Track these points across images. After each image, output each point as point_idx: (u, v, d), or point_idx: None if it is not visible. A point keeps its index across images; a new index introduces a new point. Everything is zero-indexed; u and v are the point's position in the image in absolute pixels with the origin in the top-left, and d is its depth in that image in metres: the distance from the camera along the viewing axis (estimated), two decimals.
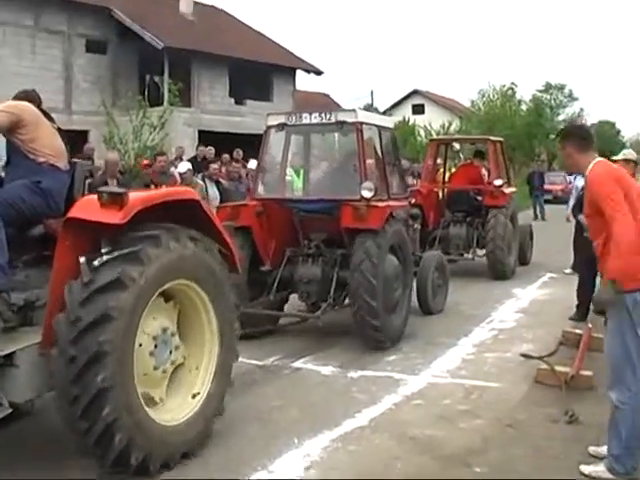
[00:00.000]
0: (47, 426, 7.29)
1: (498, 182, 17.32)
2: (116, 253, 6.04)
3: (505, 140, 21.80)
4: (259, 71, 40.24)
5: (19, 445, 6.95)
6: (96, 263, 5.99)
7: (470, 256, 17.74)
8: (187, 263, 6.60)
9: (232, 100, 39.64)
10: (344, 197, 10.84)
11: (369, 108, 58.16)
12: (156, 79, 39.03)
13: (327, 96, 58.01)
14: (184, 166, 15.62)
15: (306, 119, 11.22)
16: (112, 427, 5.84)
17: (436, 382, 9.17)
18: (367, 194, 10.53)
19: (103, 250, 6.10)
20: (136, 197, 6.29)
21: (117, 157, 15.93)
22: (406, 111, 67.96)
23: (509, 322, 12.84)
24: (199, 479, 6.35)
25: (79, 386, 5.78)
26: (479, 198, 17.86)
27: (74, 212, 6.17)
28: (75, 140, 28.66)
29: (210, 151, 20.71)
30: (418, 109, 72.20)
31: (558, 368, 8.98)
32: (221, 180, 16.63)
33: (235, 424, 7.56)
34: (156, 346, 6.47)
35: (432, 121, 55.73)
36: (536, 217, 33.64)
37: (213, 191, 15.65)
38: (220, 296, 7.08)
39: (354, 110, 11.30)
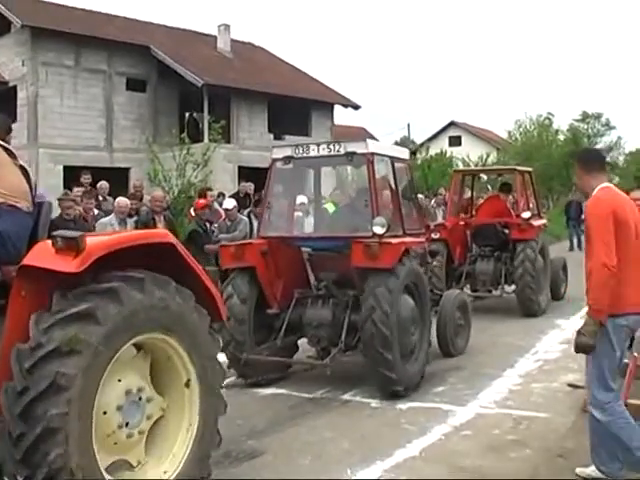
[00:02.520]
0: None
1: (526, 215, 15.94)
2: (67, 312, 5.07)
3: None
4: (297, 106, 39.52)
5: None
6: (44, 325, 5.04)
7: (498, 293, 16.41)
8: (155, 315, 5.59)
9: (271, 136, 38.86)
10: (355, 234, 9.74)
11: (406, 141, 57.32)
12: (195, 116, 38.52)
13: (364, 130, 57.19)
14: (230, 203, 15.16)
15: (314, 151, 10.09)
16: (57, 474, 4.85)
17: (484, 413, 8.73)
18: (379, 230, 9.39)
19: (54, 307, 5.15)
20: (96, 242, 5.38)
21: (163, 194, 15.71)
22: (443, 143, 66.68)
23: (554, 352, 12.35)
24: None
25: (29, 465, 4.85)
26: (506, 231, 16.48)
27: (28, 259, 5.28)
28: (117, 177, 28.60)
29: (250, 187, 20.09)
30: (455, 141, 71.04)
31: None
32: None
33: (287, 455, 7.48)
34: (123, 409, 5.47)
35: (469, 153, 54.63)
36: (572, 248, 31.87)
37: None
38: (197, 348, 6.02)
39: (364, 140, 10.10)
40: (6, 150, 5.86)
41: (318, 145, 10.18)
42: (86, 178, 16.89)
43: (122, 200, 13.87)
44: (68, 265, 5.11)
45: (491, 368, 10.96)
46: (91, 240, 5.31)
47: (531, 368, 11.25)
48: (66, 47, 34.17)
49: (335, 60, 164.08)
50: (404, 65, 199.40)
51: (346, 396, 9.74)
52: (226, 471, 7.03)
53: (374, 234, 9.43)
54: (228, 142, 35.70)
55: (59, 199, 13.18)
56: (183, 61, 35.98)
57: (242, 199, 18.41)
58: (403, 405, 9.29)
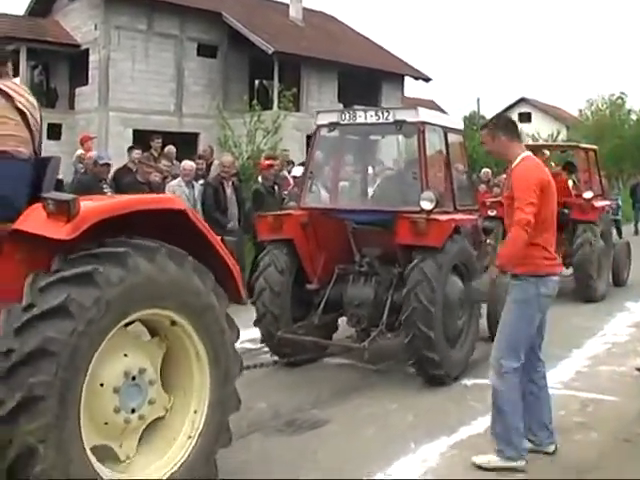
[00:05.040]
0: None
1: (588, 195, 14.82)
2: (65, 273, 4.47)
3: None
4: (368, 77, 38.62)
5: None
6: (39, 284, 4.49)
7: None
8: (162, 288, 4.91)
9: (341, 105, 38.00)
10: (402, 208, 8.91)
11: (475, 115, 56.11)
12: (265, 83, 37.92)
13: (433, 103, 55.98)
14: (299, 170, 14.53)
15: (361, 117, 9.28)
16: (35, 447, 4.27)
17: (551, 393, 7.88)
18: (427, 206, 8.58)
19: (53, 267, 4.60)
20: (91, 207, 4.72)
21: (232, 159, 15.51)
22: None
23: (622, 335, 11.97)
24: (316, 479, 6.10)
25: (7, 387, 4.30)
26: (566, 212, 14.95)
27: (19, 223, 4.72)
28: (186, 142, 28.21)
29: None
30: (525, 117, 68.63)
31: None
32: None
33: (351, 426, 7.41)
34: (121, 390, 4.84)
35: (539, 130, 53.20)
36: (637, 232, 30.41)
37: None
38: (211, 330, 5.31)
39: (415, 108, 9.26)
40: (2, 93, 5.13)
41: (365, 111, 9.39)
42: (157, 142, 16.50)
43: (187, 163, 13.75)
44: (58, 231, 4.55)
45: (558, 348, 10.12)
46: (86, 204, 4.67)
47: (599, 350, 10.86)
48: (139, 11, 33.68)
49: (407, 31, 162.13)
50: (476, 39, 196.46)
51: (411, 369, 9.16)
52: (290, 439, 7.05)
53: (422, 209, 8.62)
54: (297, 110, 34.87)
55: (138, 161, 13.30)
56: (254, 28, 35.25)
57: None
58: (468, 381, 9.03)
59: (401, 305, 8.73)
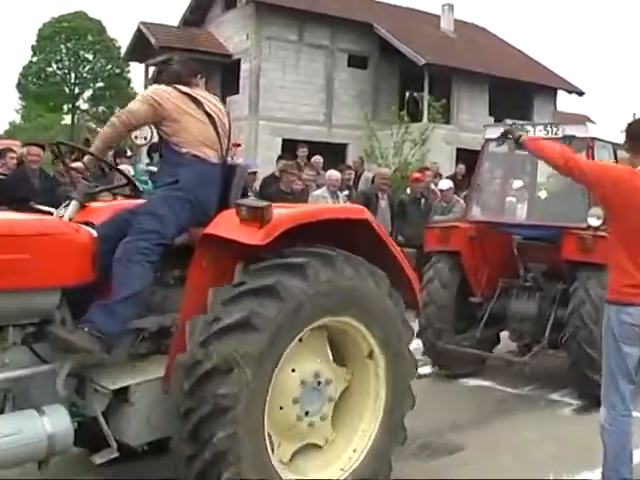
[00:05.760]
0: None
1: None
2: (249, 286, 4.80)
3: None
4: (519, 90, 38.28)
5: None
6: (224, 297, 4.81)
7: None
8: (342, 296, 5.17)
9: (492, 119, 37.86)
10: (568, 224, 9.07)
11: None
12: (416, 95, 38.18)
13: (587, 118, 55.07)
14: (445, 184, 14.83)
15: (530, 132, 9.44)
16: (223, 458, 4.59)
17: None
18: (594, 222, 8.72)
19: (236, 279, 4.92)
20: (283, 214, 5.04)
21: (386, 172, 15.78)
22: None
23: None
24: None
25: (193, 399, 4.62)
26: None
27: (211, 227, 5.02)
28: (335, 152, 28.70)
29: (462, 169, 19.92)
30: None
31: None
32: None
33: (487, 453, 7.12)
34: (300, 401, 5.19)
35: None
36: None
37: None
38: (390, 339, 5.59)
39: (584, 124, 9.45)
40: (192, 98, 5.58)
41: (534, 126, 9.58)
42: (302, 151, 16.98)
43: (333, 173, 13.81)
44: (252, 237, 4.82)
45: None
46: (278, 211, 4.97)
47: None
48: (290, 22, 34.52)
49: (559, 43, 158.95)
50: (632, 51, 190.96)
51: (554, 395, 9.20)
52: (425, 464, 6.82)
53: (589, 226, 8.77)
54: (447, 123, 35.10)
55: (281, 170, 13.43)
56: (405, 39, 35.50)
57: (460, 181, 17.99)
58: None
59: (564, 322, 8.90)
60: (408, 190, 15.53)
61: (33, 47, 61.32)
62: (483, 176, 10.27)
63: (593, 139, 9.20)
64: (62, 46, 61.08)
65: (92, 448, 5.15)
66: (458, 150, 33.78)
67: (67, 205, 5.29)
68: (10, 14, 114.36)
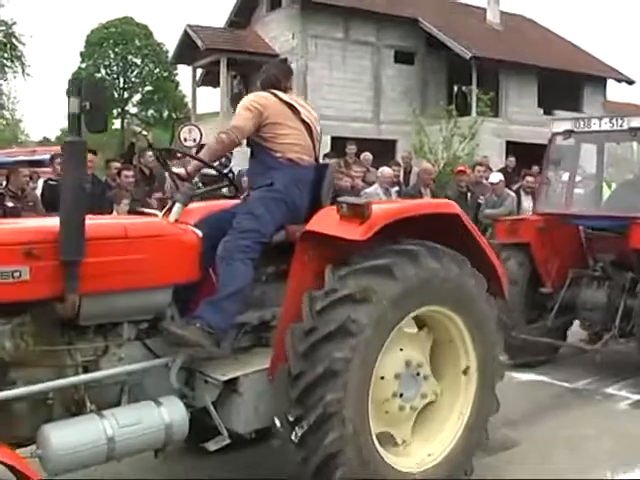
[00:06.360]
0: (265, 456, 6.43)
1: None
2: (364, 264, 5.19)
3: None
4: (568, 80, 38.32)
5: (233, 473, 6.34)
6: (340, 273, 5.18)
7: None
8: (448, 289, 5.58)
9: (541, 110, 38.00)
10: (636, 214, 9.27)
11: None
12: (464, 89, 38.30)
13: (638, 107, 54.75)
14: (496, 177, 14.95)
15: (595, 125, 9.71)
16: (334, 459, 4.94)
17: None
18: None
19: (351, 259, 5.27)
20: (381, 210, 5.37)
21: (432, 167, 16.01)
22: None
23: None
24: None
25: (303, 406, 4.98)
26: None
27: (312, 225, 5.34)
28: (384, 148, 28.92)
29: (513, 162, 20.00)
30: None
31: None
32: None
33: (543, 449, 7.06)
34: (401, 379, 5.49)
35: None
36: None
37: (528, 203, 14.46)
38: (481, 327, 5.95)
39: None
40: (289, 105, 5.91)
41: (600, 119, 9.80)
42: (351, 148, 17.26)
43: (386, 170, 14.05)
44: (354, 232, 5.13)
45: None
46: (376, 208, 5.29)
47: None
48: (335, 20, 34.99)
49: (608, 32, 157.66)
50: None
51: (611, 389, 9.25)
52: (478, 459, 6.66)
53: None
54: (496, 116, 35.34)
55: None
56: (452, 33, 35.81)
57: (510, 174, 18.06)
58: None
59: (634, 310, 9.16)
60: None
61: (82, 53, 62.74)
62: (550, 169, 10.54)
63: None
64: (110, 51, 62.45)
65: (197, 438, 5.46)
66: (507, 143, 33.91)
67: (170, 208, 5.65)
68: (59, 22, 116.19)
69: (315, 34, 34.76)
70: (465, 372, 5.96)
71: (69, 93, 4.63)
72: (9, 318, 4.55)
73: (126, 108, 64.80)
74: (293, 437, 5.02)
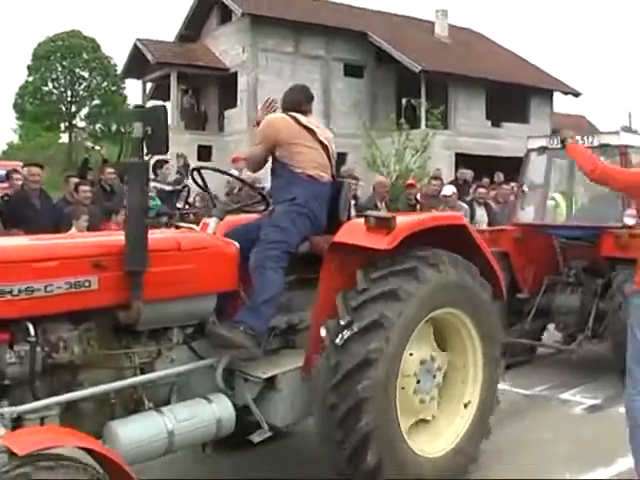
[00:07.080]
0: (301, 448, 7.21)
1: None
2: (391, 268, 5.86)
3: None
4: (516, 93, 39.52)
5: (273, 464, 6.95)
6: (373, 275, 5.83)
7: None
8: (458, 290, 6.32)
9: (489, 123, 39.04)
10: (606, 224, 10.09)
11: (627, 131, 55.52)
12: (413, 101, 39.08)
13: (583, 118, 56.25)
14: (449, 189, 15.34)
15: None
16: (367, 440, 5.58)
17: None
18: (630, 221, 9.77)
19: (377, 266, 5.93)
20: (404, 222, 6.03)
21: (387, 180, 16.70)
22: None
23: None
24: None
25: (339, 394, 5.59)
26: None
27: (340, 236, 5.96)
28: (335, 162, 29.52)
29: (470, 174, 20.28)
30: None
31: None
32: (489, 203, 16.04)
33: (504, 453, 7.22)
34: (419, 377, 6.19)
35: None
36: None
37: (481, 214, 15.25)
38: (486, 327, 6.67)
39: (617, 133, 10.52)
40: (307, 128, 6.44)
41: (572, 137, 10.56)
42: None
43: None
44: (381, 242, 5.77)
45: None
46: (399, 220, 5.94)
47: None
48: (285, 33, 35.87)
49: (554, 45, 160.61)
50: (626, 50, 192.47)
51: (566, 395, 9.65)
52: None
53: (624, 225, 9.78)
54: (446, 128, 36.15)
55: None
56: (401, 47, 36.69)
57: (461, 186, 18.32)
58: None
59: (605, 313, 10.00)
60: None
61: (29, 67, 63.02)
62: (525, 182, 11.35)
63: (626, 146, 10.20)
64: (57, 65, 62.69)
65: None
66: (456, 155, 34.79)
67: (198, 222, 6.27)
68: (5, 35, 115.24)
69: (265, 48, 35.45)
70: (466, 379, 6.73)
71: (132, 119, 5.11)
72: (78, 324, 5.07)
73: (74, 122, 65.08)
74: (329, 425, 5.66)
